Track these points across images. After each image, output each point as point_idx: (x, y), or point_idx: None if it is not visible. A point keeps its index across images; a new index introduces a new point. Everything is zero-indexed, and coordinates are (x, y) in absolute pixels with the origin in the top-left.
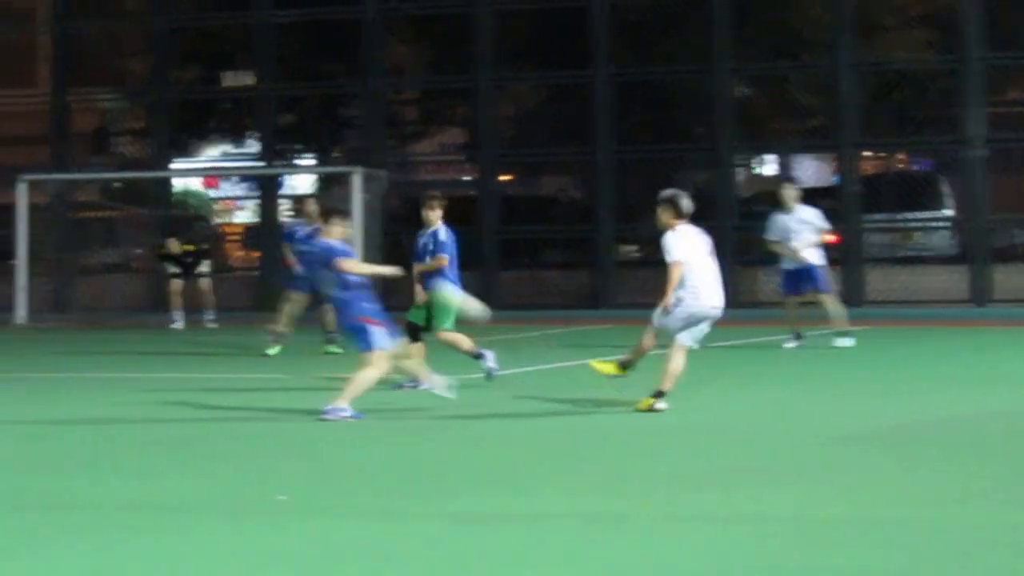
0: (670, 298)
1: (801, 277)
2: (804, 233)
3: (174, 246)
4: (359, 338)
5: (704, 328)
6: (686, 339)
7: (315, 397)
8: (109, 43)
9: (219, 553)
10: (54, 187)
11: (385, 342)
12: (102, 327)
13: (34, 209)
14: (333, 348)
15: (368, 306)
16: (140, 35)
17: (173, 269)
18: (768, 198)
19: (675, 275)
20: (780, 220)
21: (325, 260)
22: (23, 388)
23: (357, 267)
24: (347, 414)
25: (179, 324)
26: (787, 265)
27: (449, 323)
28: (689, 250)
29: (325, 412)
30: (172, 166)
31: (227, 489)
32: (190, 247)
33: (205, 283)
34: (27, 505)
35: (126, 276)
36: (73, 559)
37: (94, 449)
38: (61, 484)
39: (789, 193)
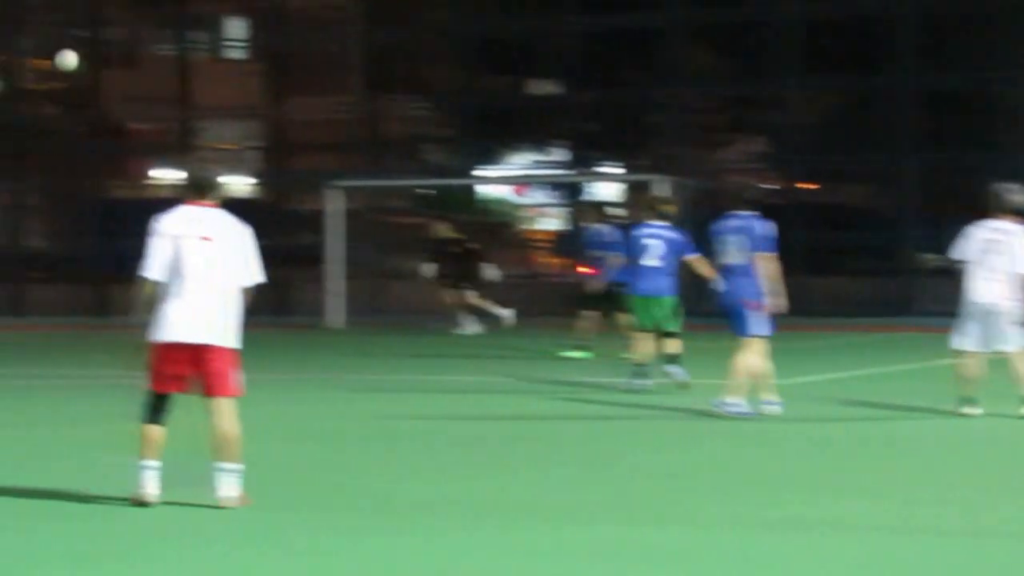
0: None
1: None
2: None
3: (442, 230)
4: (737, 321)
5: (989, 327)
6: (963, 343)
7: (622, 399)
8: (418, 52)
9: (526, 553)
10: (365, 193)
11: (763, 329)
12: (411, 330)
13: (346, 214)
14: (578, 354)
15: (754, 291)
16: (448, 43)
17: (436, 268)
18: None
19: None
20: None
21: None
22: (340, 389)
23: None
24: (736, 410)
25: (470, 327)
26: None
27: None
28: (969, 247)
29: (717, 405)
30: (478, 173)
31: (534, 490)
32: (460, 236)
33: (471, 293)
34: (356, 504)
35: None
36: (394, 554)
37: (401, 449)
38: (375, 483)
39: None
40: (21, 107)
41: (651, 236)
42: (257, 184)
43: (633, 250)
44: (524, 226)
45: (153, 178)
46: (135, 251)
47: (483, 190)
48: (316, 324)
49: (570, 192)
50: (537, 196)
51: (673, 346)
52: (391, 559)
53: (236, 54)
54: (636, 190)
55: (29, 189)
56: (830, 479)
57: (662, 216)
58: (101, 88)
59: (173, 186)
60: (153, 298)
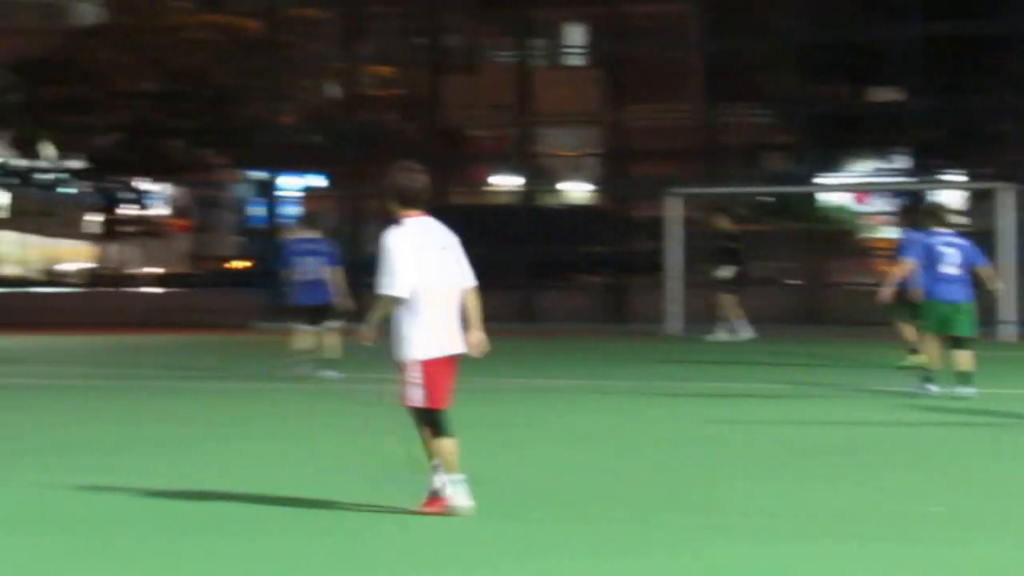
0: None
1: None
2: None
3: (724, 222)
4: None
5: None
6: None
7: (936, 404)
8: (757, 59)
9: (853, 567)
10: (704, 200)
11: None
12: (765, 338)
13: (686, 222)
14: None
15: None
16: (787, 51)
17: (725, 271)
18: None
19: None
20: None
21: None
22: (682, 396)
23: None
24: None
25: (747, 333)
26: None
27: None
28: None
29: None
30: (819, 180)
31: (869, 500)
32: (736, 232)
33: (727, 298)
34: (672, 506)
35: (777, 288)
36: (727, 562)
37: (732, 456)
38: (699, 489)
39: None
40: (361, 114)
41: (946, 244)
42: (596, 191)
43: (929, 257)
44: (866, 234)
45: (492, 185)
46: (475, 259)
47: (824, 197)
48: (655, 332)
49: (913, 200)
50: (878, 204)
51: (966, 360)
52: (721, 567)
53: (575, 61)
54: (979, 198)
55: (368, 195)
56: None
57: (945, 224)
58: (440, 95)
59: (508, 192)
60: (388, 315)
